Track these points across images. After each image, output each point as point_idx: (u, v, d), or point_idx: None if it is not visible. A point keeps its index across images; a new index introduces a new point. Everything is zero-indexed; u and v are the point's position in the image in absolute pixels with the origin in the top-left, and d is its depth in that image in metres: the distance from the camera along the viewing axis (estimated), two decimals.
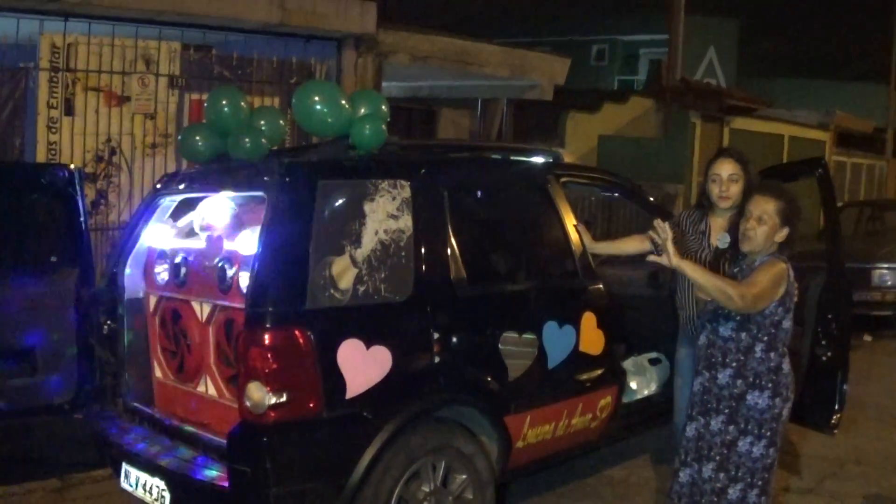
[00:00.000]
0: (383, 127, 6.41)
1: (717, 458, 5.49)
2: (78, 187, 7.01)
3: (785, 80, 37.70)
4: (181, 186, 6.69)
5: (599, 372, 6.96)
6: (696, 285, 5.42)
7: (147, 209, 6.83)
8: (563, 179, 7.27)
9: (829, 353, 6.85)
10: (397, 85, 16.58)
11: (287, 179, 5.63)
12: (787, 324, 5.47)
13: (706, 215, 6.70)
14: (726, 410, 5.47)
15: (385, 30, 12.75)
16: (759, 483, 5.46)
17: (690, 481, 5.62)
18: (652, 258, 5.54)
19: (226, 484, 5.40)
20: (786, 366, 5.49)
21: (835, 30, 42.57)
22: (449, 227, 6.11)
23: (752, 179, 6.48)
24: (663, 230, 5.35)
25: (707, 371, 5.56)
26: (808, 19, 42.96)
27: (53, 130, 10.27)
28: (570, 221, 7.00)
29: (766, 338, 5.40)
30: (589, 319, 6.84)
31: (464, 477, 6.00)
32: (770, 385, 5.41)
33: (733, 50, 38.70)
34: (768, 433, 5.43)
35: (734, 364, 5.45)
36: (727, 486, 5.46)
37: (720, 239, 6.16)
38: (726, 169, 6.52)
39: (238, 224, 6.36)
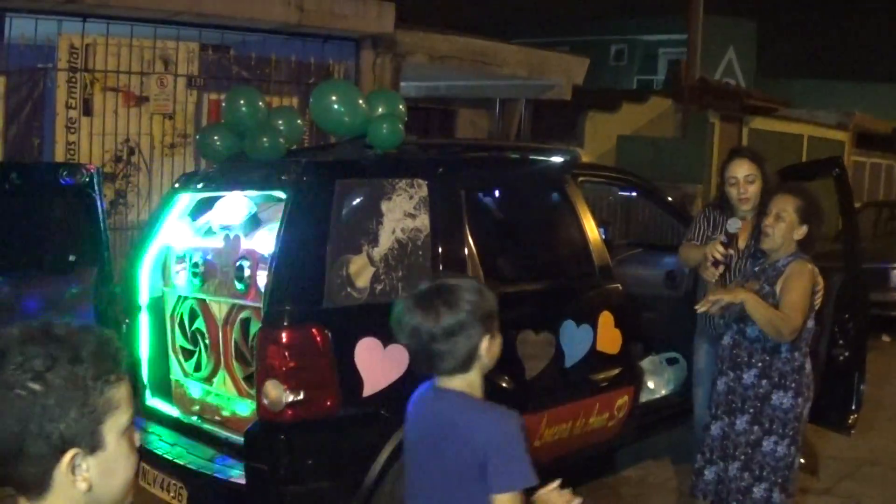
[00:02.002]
0: (400, 126, 6.42)
1: (742, 457, 5.50)
2: (97, 187, 7.03)
3: (804, 80, 37.55)
4: (199, 186, 6.71)
5: (616, 371, 6.96)
6: (753, 318, 5.39)
7: (165, 208, 6.85)
8: (581, 179, 7.27)
9: (846, 354, 6.84)
10: (415, 85, 16.58)
11: (305, 179, 5.65)
12: (810, 323, 5.50)
13: (730, 217, 6.63)
14: (751, 410, 5.48)
15: (403, 30, 12.75)
16: (781, 481, 5.47)
17: (716, 479, 5.63)
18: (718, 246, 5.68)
19: (243, 482, 5.42)
20: (808, 365, 5.51)
21: (854, 30, 42.40)
22: (466, 226, 6.11)
23: (769, 177, 6.44)
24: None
25: (732, 371, 5.57)
26: (827, 20, 42.80)
27: (72, 131, 10.30)
28: (587, 221, 6.98)
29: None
30: (606, 319, 6.84)
31: None
32: (794, 385, 5.42)
33: (752, 50, 38.62)
34: (791, 432, 5.44)
35: (759, 364, 5.46)
36: (752, 484, 5.48)
37: (731, 223, 6.11)
38: (742, 170, 6.45)
39: (256, 223, 6.37)
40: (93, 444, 2.07)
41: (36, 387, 1.99)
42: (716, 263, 5.79)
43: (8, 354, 2.02)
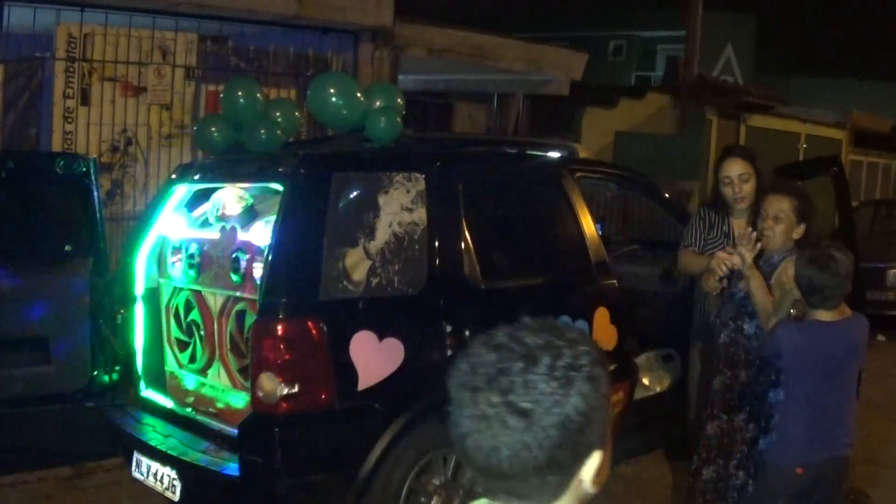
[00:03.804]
0: (398, 120, 6.42)
1: (738, 455, 5.49)
2: (93, 177, 7.02)
3: (802, 78, 37.54)
4: (196, 177, 6.70)
5: (611, 368, 6.90)
6: (752, 298, 5.40)
7: (162, 199, 6.84)
8: (578, 174, 7.25)
9: None
10: (413, 78, 16.55)
11: (302, 171, 5.65)
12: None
13: (727, 216, 6.63)
14: (748, 408, 5.47)
15: (402, 23, 12.70)
16: None
17: (715, 477, 5.61)
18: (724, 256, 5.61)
19: (237, 474, 5.42)
20: None
21: (853, 28, 42.37)
22: (463, 220, 6.11)
23: (764, 175, 6.43)
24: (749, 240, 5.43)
25: (729, 369, 5.56)
26: (826, 17, 42.77)
27: (69, 120, 10.27)
28: (584, 216, 6.96)
29: None
30: (602, 315, 6.82)
31: None
32: None
33: (751, 47, 38.53)
34: None
35: (757, 361, 5.45)
36: (747, 483, 5.46)
37: (740, 235, 6.13)
38: (736, 169, 6.45)
39: (252, 215, 6.36)
40: (604, 443, 1.92)
41: (587, 389, 1.82)
42: (720, 278, 5.75)
43: (547, 357, 1.82)
